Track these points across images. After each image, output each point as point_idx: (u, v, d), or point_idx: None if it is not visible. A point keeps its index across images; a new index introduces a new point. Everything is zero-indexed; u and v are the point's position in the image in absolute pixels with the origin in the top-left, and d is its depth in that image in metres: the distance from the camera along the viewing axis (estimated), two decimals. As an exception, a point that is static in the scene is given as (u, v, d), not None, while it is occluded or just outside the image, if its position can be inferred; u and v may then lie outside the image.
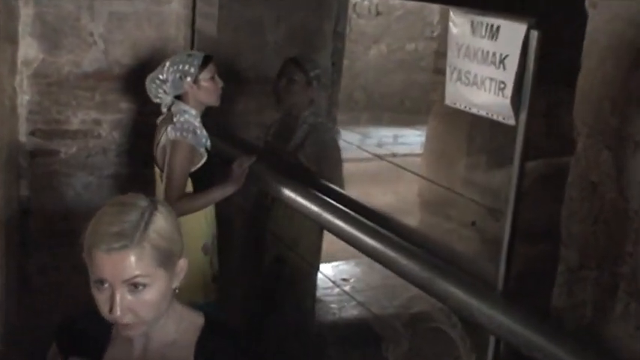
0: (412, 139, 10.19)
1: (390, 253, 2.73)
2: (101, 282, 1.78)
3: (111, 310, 1.78)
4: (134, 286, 1.78)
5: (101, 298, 1.80)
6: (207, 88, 3.66)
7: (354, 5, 10.41)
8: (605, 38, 2.27)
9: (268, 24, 4.59)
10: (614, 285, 2.15)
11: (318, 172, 3.92)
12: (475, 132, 3.99)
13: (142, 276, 1.78)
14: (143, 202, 1.85)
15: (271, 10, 4.57)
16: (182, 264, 1.90)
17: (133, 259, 1.77)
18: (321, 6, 4.68)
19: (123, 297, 1.78)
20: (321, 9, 4.68)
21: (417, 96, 11.34)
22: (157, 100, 3.69)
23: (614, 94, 2.19)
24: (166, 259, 1.83)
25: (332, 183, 3.63)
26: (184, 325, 1.94)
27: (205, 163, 3.65)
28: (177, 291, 1.90)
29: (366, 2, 10.62)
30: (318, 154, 4.10)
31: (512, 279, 2.32)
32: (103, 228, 1.79)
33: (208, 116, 3.79)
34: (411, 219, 4.72)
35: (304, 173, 3.83)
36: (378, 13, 10.75)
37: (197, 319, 1.96)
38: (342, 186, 3.96)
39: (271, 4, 4.55)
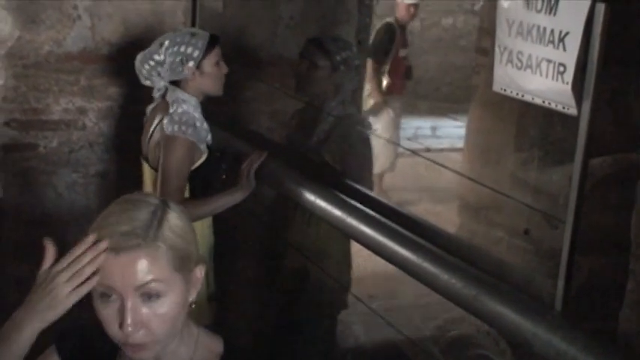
0: (450, 131, 10.19)
1: (428, 266, 2.71)
2: (108, 293, 1.76)
3: (121, 325, 1.74)
4: (148, 295, 1.75)
5: (108, 314, 1.77)
6: (212, 75, 3.63)
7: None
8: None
9: (282, -4, 4.59)
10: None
11: (344, 171, 3.89)
12: (527, 123, 3.96)
13: (157, 281, 1.75)
14: (153, 199, 1.86)
15: (285, -21, 4.56)
16: (199, 272, 1.89)
17: (146, 261, 1.75)
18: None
19: (135, 308, 1.74)
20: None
21: (456, 81, 11.33)
22: (148, 83, 3.67)
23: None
24: (183, 262, 1.82)
25: (360, 184, 3.61)
26: (200, 353, 1.92)
27: (205, 161, 3.65)
28: (193, 306, 1.89)
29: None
30: (344, 150, 4.06)
31: (573, 298, 2.30)
32: (110, 227, 1.78)
33: (211, 104, 3.78)
34: (450, 226, 4.71)
35: (327, 172, 3.81)
36: (410, -17, 10.74)
37: (215, 346, 1.95)
38: (371, 187, 3.94)
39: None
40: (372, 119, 8.16)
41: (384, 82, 8.18)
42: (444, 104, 11.07)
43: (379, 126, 8.16)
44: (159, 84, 3.65)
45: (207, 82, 3.62)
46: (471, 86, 6.72)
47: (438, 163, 3.56)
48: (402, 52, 8.24)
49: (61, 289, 1.80)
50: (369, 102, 8.16)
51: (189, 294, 1.86)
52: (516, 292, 2.48)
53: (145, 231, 1.76)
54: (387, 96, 8.22)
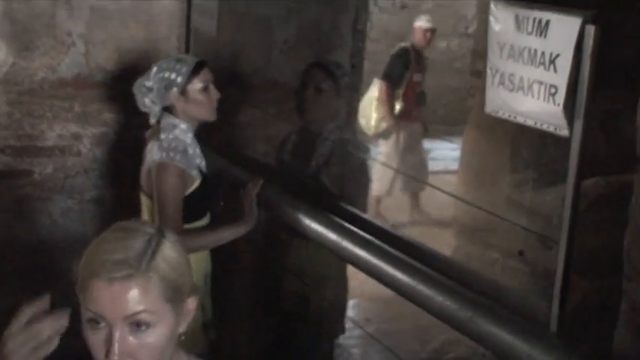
0: (445, 153, 10.20)
1: (422, 289, 2.72)
2: (97, 320, 1.76)
3: (108, 353, 1.74)
4: (137, 325, 1.76)
5: (96, 340, 1.77)
6: (198, 101, 3.60)
7: (375, -1, 10.48)
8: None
9: (276, 21, 4.61)
10: (689, 325, 2.14)
11: (342, 196, 3.88)
12: (521, 145, 3.99)
13: (147, 312, 1.76)
14: (149, 228, 1.87)
15: (280, 4, 4.58)
16: (191, 304, 1.90)
17: (137, 291, 1.75)
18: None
19: (123, 338, 1.75)
20: (337, 2, 4.70)
21: (452, 103, 11.37)
22: (145, 109, 3.68)
23: (685, 99, 2.20)
24: (175, 294, 1.82)
25: (357, 208, 3.61)
26: None
27: (200, 187, 3.62)
28: (182, 337, 1.89)
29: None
30: (343, 176, 4.04)
31: (567, 318, 2.31)
32: (104, 255, 1.78)
33: (206, 129, 3.79)
34: (447, 248, 4.72)
35: (325, 196, 3.81)
36: (403, 7, 10.82)
37: None
38: (366, 211, 3.94)
39: (279, -4, 4.57)
40: (382, 143, 8.23)
41: (397, 107, 8.18)
42: (440, 127, 11.09)
43: (389, 150, 8.19)
44: (154, 110, 3.64)
45: (193, 108, 3.60)
46: (466, 108, 6.75)
47: (432, 186, 3.58)
48: (417, 77, 8.23)
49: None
50: (380, 126, 8.19)
51: (179, 325, 1.86)
52: (511, 313, 2.50)
53: (138, 261, 1.77)
54: (401, 121, 8.20)
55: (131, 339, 1.76)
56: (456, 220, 5.05)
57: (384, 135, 8.26)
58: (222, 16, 4.30)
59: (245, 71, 4.61)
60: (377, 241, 3.08)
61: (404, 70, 8.19)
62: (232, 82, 4.41)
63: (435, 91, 11.45)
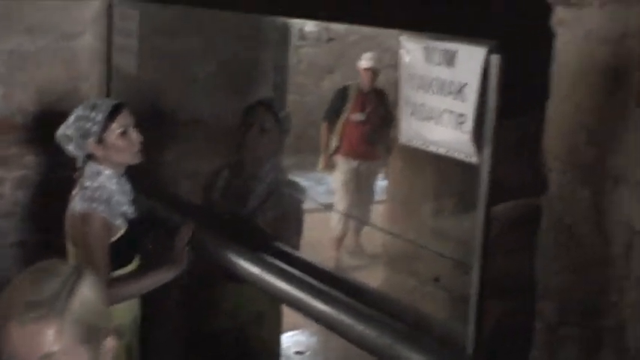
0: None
1: (344, 318, 2.77)
2: None
3: None
4: None
5: None
6: (118, 147, 3.50)
7: (301, 32, 10.54)
8: (576, 60, 2.36)
9: (197, 56, 4.64)
10: (599, 342, 2.21)
11: (277, 235, 3.82)
12: (441, 173, 4.08)
13: (62, 353, 1.75)
14: (66, 268, 1.86)
15: (200, 40, 4.61)
16: (109, 343, 1.90)
17: (51, 332, 1.75)
18: (258, 33, 4.76)
19: None
20: (257, 37, 4.76)
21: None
22: (73, 155, 3.60)
23: (588, 123, 2.28)
24: (91, 335, 1.82)
25: (292, 247, 3.61)
26: None
27: (126, 234, 3.55)
28: None
29: (315, 28, 10.76)
30: (279, 218, 3.98)
31: (484, 341, 2.38)
32: (19, 297, 1.78)
33: (133, 168, 3.71)
34: (373, 278, 4.78)
35: (260, 237, 3.78)
36: (329, 40, 10.91)
37: None
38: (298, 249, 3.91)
39: (200, 33, 4.60)
40: (332, 180, 8.29)
41: (333, 145, 8.20)
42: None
43: (336, 188, 8.22)
44: (78, 157, 3.56)
45: (114, 154, 3.51)
46: (391, 138, 6.86)
47: (351, 217, 3.63)
48: (357, 117, 8.17)
49: None
50: (324, 164, 8.26)
51: None
52: (429, 339, 2.55)
53: (53, 302, 1.77)
54: (346, 159, 8.20)
55: None
56: (385, 251, 5.12)
57: (330, 172, 8.34)
58: (143, 53, 4.30)
59: (168, 108, 4.62)
60: (298, 273, 3.12)
61: (340, 108, 8.21)
62: (155, 119, 4.43)
63: (364, 122, 11.54)
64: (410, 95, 2.60)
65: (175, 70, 4.62)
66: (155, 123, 4.25)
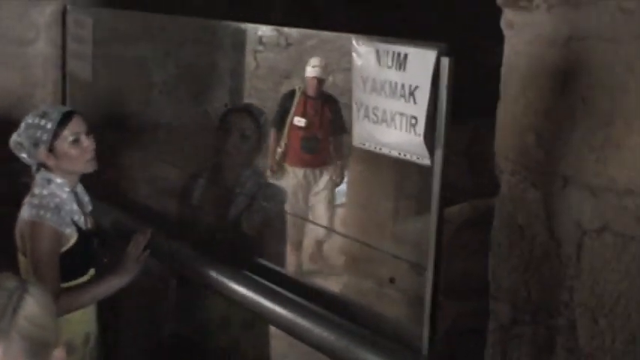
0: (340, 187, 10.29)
1: (300, 321, 2.79)
2: None
3: None
4: None
5: None
6: (70, 156, 3.39)
7: (260, 37, 10.54)
8: (526, 62, 2.40)
9: (153, 62, 4.63)
10: (551, 341, 2.24)
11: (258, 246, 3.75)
12: (400, 175, 4.09)
13: None
14: (11, 283, 1.83)
15: (156, 45, 4.60)
16: (58, 356, 1.88)
17: None
18: (215, 39, 4.76)
19: None
20: (214, 42, 4.76)
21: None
22: (27, 162, 3.51)
23: (538, 125, 2.31)
24: (39, 350, 1.80)
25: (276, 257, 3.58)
26: None
27: (78, 244, 3.43)
28: None
29: (274, 33, 10.76)
30: (261, 226, 3.87)
31: (438, 341, 2.40)
32: None
33: (89, 175, 3.66)
34: (334, 282, 4.80)
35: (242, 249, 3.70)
36: (288, 44, 10.91)
37: None
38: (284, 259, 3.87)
39: (156, 38, 4.59)
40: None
41: (279, 151, 8.02)
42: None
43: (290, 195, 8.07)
44: (31, 165, 3.49)
45: (66, 163, 3.41)
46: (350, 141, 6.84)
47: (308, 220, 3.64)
48: (299, 121, 7.99)
49: None
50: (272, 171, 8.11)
51: None
52: (385, 340, 2.57)
53: None
54: (295, 166, 8.06)
55: None
56: (345, 253, 5.14)
57: (279, 178, 8.23)
58: (98, 59, 4.29)
59: (123, 114, 4.60)
60: (256, 278, 3.13)
61: (286, 114, 8.06)
62: (112, 125, 4.41)
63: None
64: (362, 98, 2.62)
65: (132, 76, 4.61)
66: (113, 129, 4.23)
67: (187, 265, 3.59)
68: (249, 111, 3.98)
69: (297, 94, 8.08)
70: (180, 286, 4.01)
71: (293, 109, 7.99)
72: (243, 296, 3.12)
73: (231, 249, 3.57)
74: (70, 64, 4.38)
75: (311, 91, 8.02)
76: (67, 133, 3.38)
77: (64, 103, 4.40)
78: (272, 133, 7.95)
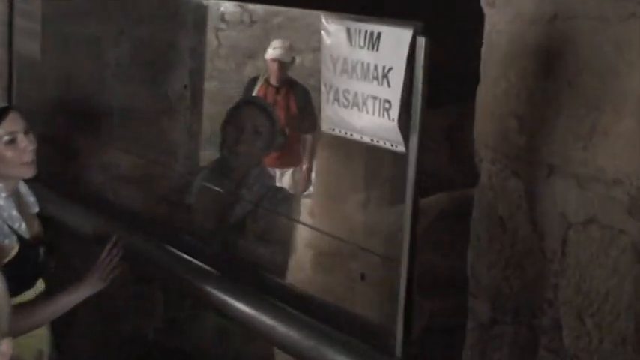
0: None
1: (265, 319, 2.75)
2: None
3: None
4: None
5: None
6: (5, 159, 3.14)
7: (222, 14, 10.47)
8: (507, 42, 2.37)
9: (107, 41, 4.57)
10: (534, 341, 2.22)
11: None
12: (371, 162, 4.07)
13: None
14: None
15: (110, 23, 4.54)
16: (5, 346, 1.87)
17: None
18: (173, 16, 4.70)
19: None
20: (172, 20, 4.70)
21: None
22: None
23: (520, 109, 2.29)
24: None
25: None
26: None
27: (21, 254, 3.20)
28: None
29: (237, 9, 10.70)
30: (265, 233, 3.70)
31: (413, 341, 2.37)
32: None
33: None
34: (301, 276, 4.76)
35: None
36: (252, 22, 10.85)
37: None
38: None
39: (110, 15, 4.53)
40: None
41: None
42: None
43: None
44: None
45: (1, 167, 3.16)
46: (319, 127, 6.81)
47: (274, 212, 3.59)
48: None
49: None
50: None
51: None
52: (356, 340, 2.54)
53: None
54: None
55: None
56: (311, 247, 5.11)
57: None
58: (47, 37, 4.21)
59: (75, 96, 4.53)
60: (217, 273, 3.09)
61: None
62: (62, 108, 4.36)
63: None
64: (332, 80, 2.58)
65: (83, 56, 4.54)
66: (61, 113, 4.17)
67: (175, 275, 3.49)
68: (263, 105, 3.89)
69: (260, 81, 7.61)
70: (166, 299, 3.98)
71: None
72: (206, 293, 3.07)
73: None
74: (17, 41, 4.30)
75: (272, 78, 7.52)
76: (2, 133, 3.14)
77: (10, 83, 4.32)
78: None
